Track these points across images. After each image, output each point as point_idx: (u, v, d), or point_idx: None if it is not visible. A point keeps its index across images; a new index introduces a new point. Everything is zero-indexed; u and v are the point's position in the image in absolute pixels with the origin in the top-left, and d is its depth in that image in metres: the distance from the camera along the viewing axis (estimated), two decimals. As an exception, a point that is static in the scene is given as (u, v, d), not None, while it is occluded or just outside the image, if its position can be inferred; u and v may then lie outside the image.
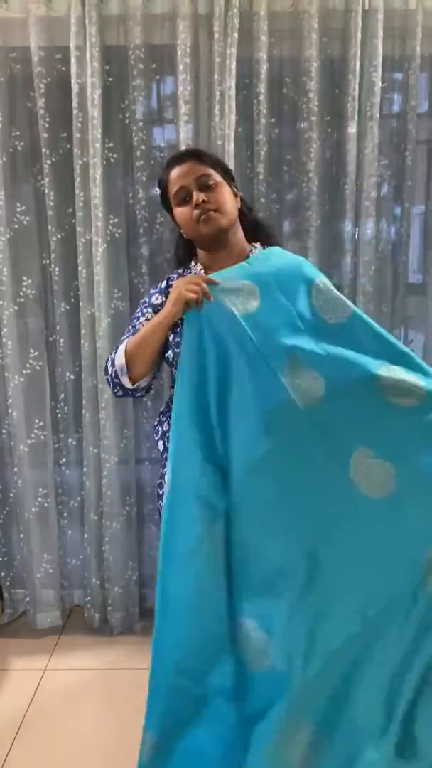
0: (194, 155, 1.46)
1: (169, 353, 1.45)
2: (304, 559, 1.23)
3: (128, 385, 1.43)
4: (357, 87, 2.04)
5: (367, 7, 2.01)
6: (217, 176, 1.44)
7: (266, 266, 1.39)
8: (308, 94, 2.04)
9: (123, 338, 1.50)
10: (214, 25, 1.98)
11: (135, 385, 1.44)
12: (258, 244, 1.53)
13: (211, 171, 1.44)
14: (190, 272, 1.53)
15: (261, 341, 1.29)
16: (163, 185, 1.49)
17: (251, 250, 1.50)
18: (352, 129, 2.06)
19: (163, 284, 1.55)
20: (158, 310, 1.48)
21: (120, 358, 1.42)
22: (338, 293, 1.39)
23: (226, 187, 1.45)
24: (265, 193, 2.11)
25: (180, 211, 1.45)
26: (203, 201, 1.40)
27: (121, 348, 1.43)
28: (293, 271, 1.40)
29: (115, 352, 1.45)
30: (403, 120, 2.11)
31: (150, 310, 1.51)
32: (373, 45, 2.01)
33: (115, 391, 1.47)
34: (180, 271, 1.57)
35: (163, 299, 1.51)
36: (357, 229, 2.15)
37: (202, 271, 1.50)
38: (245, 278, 1.36)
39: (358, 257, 2.15)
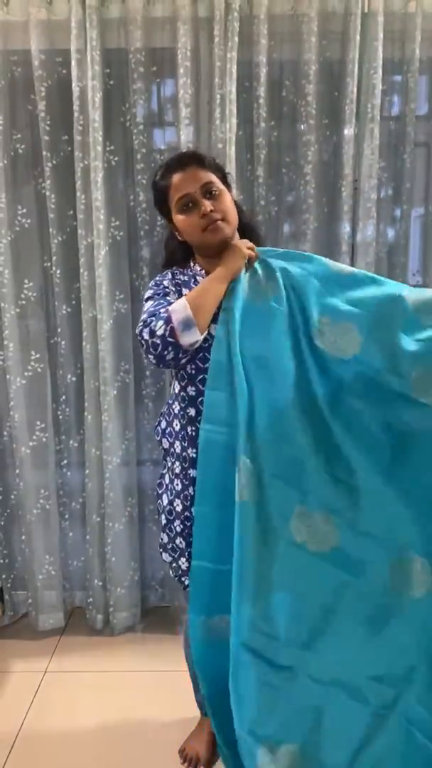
0: (196, 160, 1.43)
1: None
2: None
3: (191, 339, 1.30)
4: (356, 90, 2.05)
5: (366, 10, 2.02)
6: (219, 183, 1.43)
7: (272, 255, 1.44)
8: (307, 97, 2.06)
9: (153, 307, 1.38)
10: (215, 29, 1.99)
11: (195, 341, 1.32)
12: None
13: (214, 177, 1.42)
14: (190, 271, 1.52)
15: (293, 313, 1.36)
16: (164, 189, 1.45)
17: None
18: (350, 131, 2.08)
19: (169, 275, 1.52)
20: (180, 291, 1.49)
21: (184, 310, 1.30)
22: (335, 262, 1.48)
23: (227, 194, 1.44)
24: (265, 196, 2.12)
25: (183, 219, 1.42)
26: (211, 210, 1.38)
27: (179, 304, 1.32)
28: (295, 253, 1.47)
29: (158, 317, 1.32)
30: (402, 122, 2.12)
31: (172, 284, 1.50)
32: (372, 48, 2.02)
33: (165, 353, 1.30)
34: (181, 270, 1.55)
35: (173, 286, 1.49)
36: (355, 231, 2.15)
37: (203, 271, 1.50)
38: (260, 270, 1.40)
39: (357, 259, 2.16)
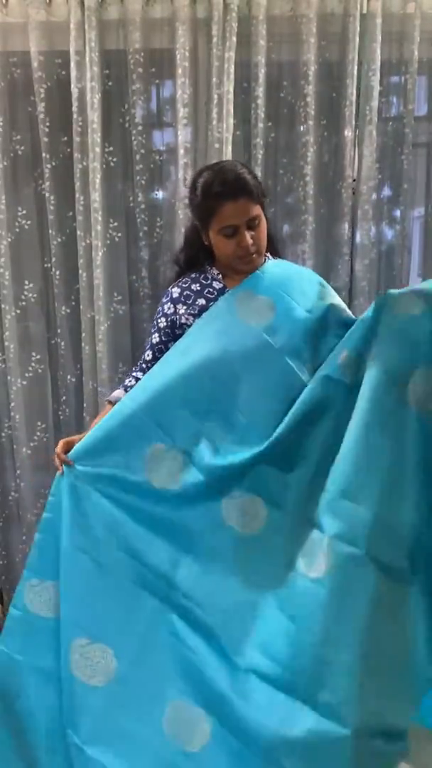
0: (247, 191, 1.37)
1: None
2: None
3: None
4: (354, 91, 2.05)
5: (365, 12, 2.02)
6: (261, 211, 1.41)
7: (279, 277, 1.43)
8: (306, 98, 2.06)
9: (142, 356, 1.57)
10: (213, 30, 1.99)
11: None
12: (268, 254, 1.52)
13: (258, 207, 1.40)
14: (206, 277, 1.51)
15: (281, 345, 1.35)
16: (210, 211, 1.39)
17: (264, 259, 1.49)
18: (349, 133, 2.08)
19: (176, 293, 1.52)
20: (173, 320, 1.50)
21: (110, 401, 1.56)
22: (339, 300, 1.46)
23: (264, 221, 1.43)
24: (264, 197, 2.12)
25: (221, 241, 1.41)
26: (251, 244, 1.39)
27: (114, 396, 1.55)
28: (303, 278, 1.45)
29: (121, 386, 1.58)
30: (400, 123, 2.12)
31: (164, 320, 1.51)
32: (371, 49, 2.02)
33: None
34: (195, 275, 1.53)
35: (175, 308, 1.50)
36: (354, 232, 2.16)
37: (220, 275, 1.49)
38: (261, 293, 1.41)
39: (356, 260, 2.16)
